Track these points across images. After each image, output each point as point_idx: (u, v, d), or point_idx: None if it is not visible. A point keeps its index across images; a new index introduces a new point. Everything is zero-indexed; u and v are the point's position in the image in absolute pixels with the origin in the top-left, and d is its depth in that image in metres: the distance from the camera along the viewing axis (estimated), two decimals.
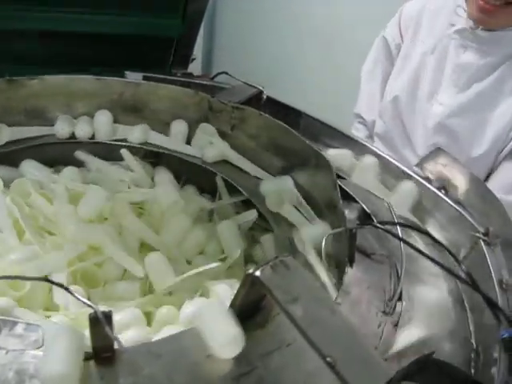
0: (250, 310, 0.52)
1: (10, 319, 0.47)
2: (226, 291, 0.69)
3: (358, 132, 1.37)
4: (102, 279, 0.73)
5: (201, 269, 0.71)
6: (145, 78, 1.02)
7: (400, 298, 0.62)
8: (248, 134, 0.90)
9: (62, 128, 0.91)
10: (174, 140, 0.93)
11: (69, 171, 0.87)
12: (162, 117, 0.94)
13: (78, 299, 0.44)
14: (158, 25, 1.15)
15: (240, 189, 0.86)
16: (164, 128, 0.94)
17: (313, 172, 0.81)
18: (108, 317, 0.43)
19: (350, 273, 0.64)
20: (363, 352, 0.44)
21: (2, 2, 1.07)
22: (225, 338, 0.47)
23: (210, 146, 0.92)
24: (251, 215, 0.85)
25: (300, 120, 0.98)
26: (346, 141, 0.93)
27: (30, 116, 0.91)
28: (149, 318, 0.67)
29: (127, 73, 1.04)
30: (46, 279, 0.45)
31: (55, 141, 0.91)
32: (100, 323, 0.43)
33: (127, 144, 0.92)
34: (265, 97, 0.98)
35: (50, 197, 0.80)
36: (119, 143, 0.92)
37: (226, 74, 1.05)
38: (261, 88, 0.99)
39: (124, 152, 0.90)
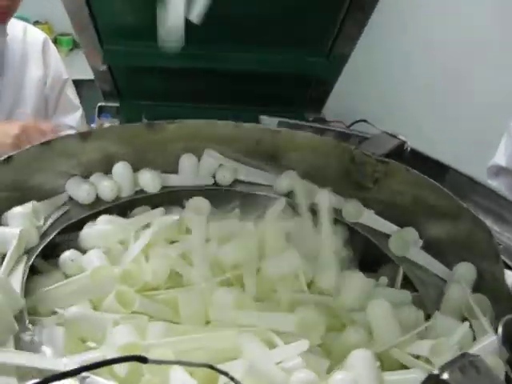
0: None
1: None
2: None
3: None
4: None
5: None
6: (280, 124, 0.99)
7: None
8: (392, 189, 0.84)
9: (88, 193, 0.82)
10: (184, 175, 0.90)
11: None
12: (301, 166, 0.90)
13: None
14: (302, 63, 1.11)
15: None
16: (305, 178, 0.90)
17: (468, 238, 0.74)
18: None
19: None
20: None
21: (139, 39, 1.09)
22: None
23: (221, 169, 0.90)
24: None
25: (446, 175, 0.91)
26: (499, 201, 0.85)
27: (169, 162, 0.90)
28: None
29: (262, 117, 1.01)
30: (211, 366, 0.41)
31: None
32: None
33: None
34: (408, 148, 0.92)
35: None
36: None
37: (365, 121, 1.00)
38: (403, 139, 0.93)
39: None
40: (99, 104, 1.15)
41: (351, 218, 0.86)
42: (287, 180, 0.89)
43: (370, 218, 0.85)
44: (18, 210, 0.72)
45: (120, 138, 0.86)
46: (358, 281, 0.75)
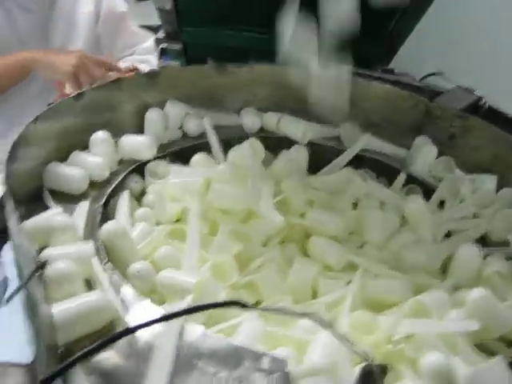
0: None
1: (254, 350, 0.42)
2: None
3: None
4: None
5: None
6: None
7: None
8: (469, 146, 0.81)
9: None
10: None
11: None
12: (372, 117, 0.87)
13: (350, 348, 0.38)
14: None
15: None
16: (373, 129, 0.87)
17: None
18: (383, 371, 0.37)
19: None
20: None
21: None
22: None
23: (189, 118, 0.83)
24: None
25: None
26: None
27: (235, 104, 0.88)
28: None
29: None
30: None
31: None
32: (373, 377, 0.37)
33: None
34: (486, 105, 0.88)
35: None
36: None
37: (441, 75, 0.95)
38: (480, 94, 0.89)
39: None
40: (161, 46, 1.13)
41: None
42: (252, 117, 0.87)
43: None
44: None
45: (188, 80, 0.84)
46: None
